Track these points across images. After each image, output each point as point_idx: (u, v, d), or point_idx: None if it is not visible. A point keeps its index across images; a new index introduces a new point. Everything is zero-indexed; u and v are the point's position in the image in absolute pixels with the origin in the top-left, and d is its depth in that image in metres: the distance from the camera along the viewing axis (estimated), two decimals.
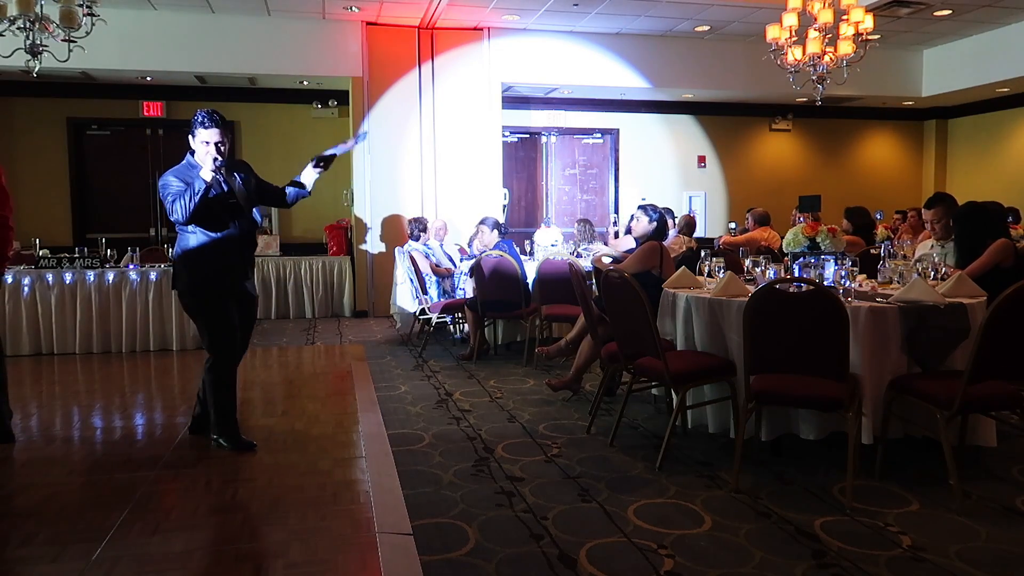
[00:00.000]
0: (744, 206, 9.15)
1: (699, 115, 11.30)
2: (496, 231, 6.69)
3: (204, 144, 3.72)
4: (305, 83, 9.67)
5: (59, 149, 9.57)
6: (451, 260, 7.59)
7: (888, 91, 10.44)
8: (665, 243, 6.78)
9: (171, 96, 9.75)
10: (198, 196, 3.66)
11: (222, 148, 3.74)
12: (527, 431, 4.25)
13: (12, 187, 4.27)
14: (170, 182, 3.72)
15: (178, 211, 3.68)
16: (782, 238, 5.00)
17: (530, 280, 6.28)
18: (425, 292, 6.85)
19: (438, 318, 6.78)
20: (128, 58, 8.26)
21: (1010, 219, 7.23)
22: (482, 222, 6.84)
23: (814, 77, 6.47)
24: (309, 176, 4.14)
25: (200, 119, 3.73)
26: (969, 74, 9.71)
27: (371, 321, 8.76)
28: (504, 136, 10.01)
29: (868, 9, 6.58)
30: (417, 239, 7.36)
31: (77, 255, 7.01)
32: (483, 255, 6.26)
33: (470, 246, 7.58)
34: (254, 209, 4.00)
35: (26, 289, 6.73)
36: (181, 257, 3.87)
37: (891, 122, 12.04)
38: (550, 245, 7.80)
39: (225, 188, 3.79)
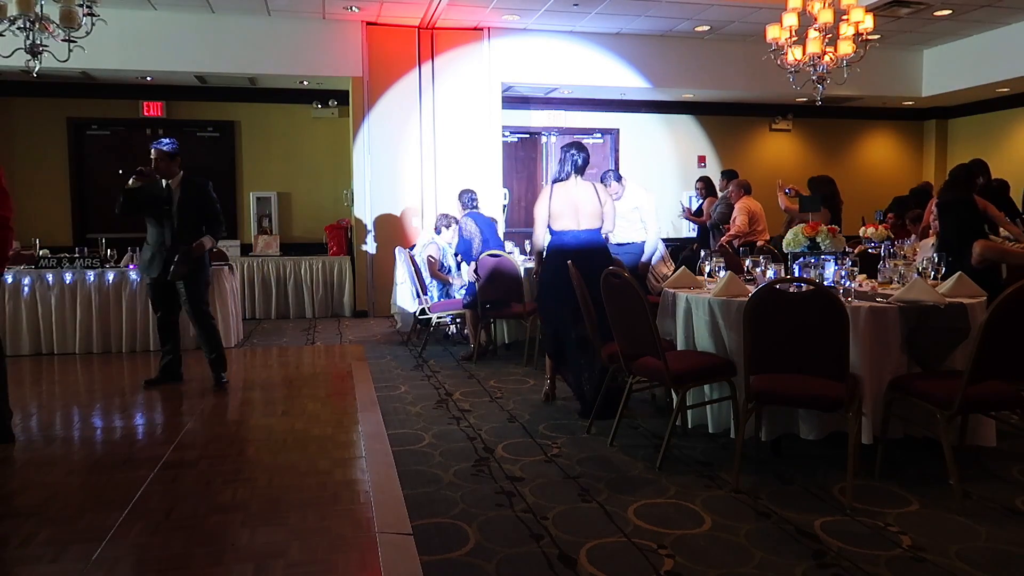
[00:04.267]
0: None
1: (699, 115, 11.29)
2: (469, 204, 6.75)
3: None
4: (305, 83, 9.66)
5: (59, 149, 9.56)
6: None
7: (888, 91, 10.43)
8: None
9: (171, 96, 9.74)
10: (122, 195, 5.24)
11: (153, 160, 5.27)
12: (527, 431, 4.25)
13: (12, 187, 4.28)
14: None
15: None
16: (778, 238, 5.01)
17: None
18: (425, 292, 6.85)
19: (438, 318, 6.78)
20: (128, 58, 8.25)
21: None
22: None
23: (814, 77, 6.46)
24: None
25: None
26: (969, 74, 9.70)
27: (371, 321, 8.76)
28: (504, 136, 10.00)
29: (868, 9, 6.58)
30: (439, 232, 7.26)
31: (77, 255, 7.01)
32: (483, 255, 6.25)
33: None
34: (175, 218, 5.31)
35: (26, 289, 6.74)
36: None
37: (891, 122, 12.03)
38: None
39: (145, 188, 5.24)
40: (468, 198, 6.88)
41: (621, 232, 6.58)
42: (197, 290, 5.37)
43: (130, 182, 5.18)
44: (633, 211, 6.61)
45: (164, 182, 5.31)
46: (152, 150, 5.28)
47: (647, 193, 7.04)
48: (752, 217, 7.93)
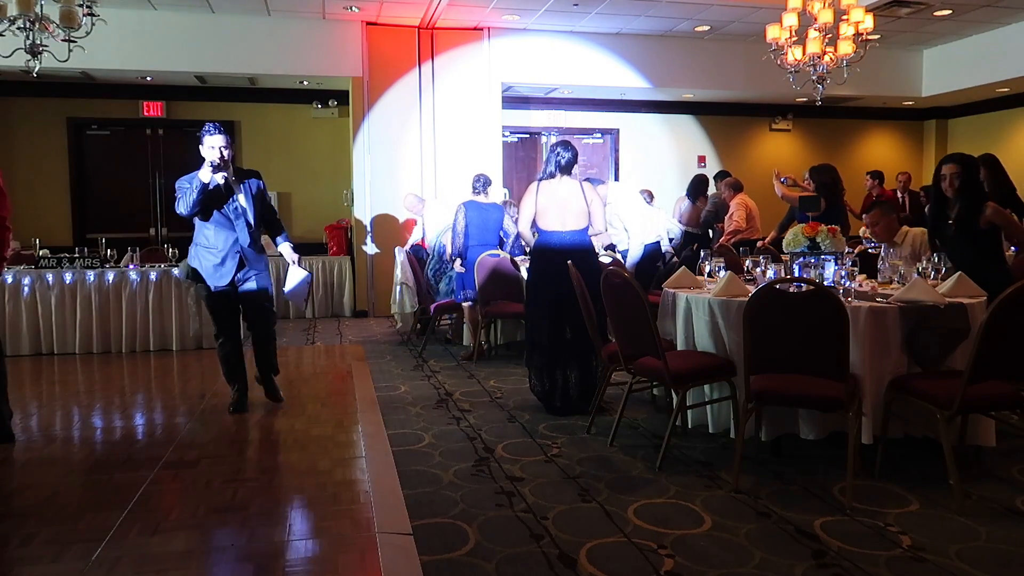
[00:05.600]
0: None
1: (699, 115, 11.30)
2: (475, 190, 6.53)
3: (210, 149, 4.34)
4: (305, 83, 9.67)
5: (59, 149, 9.57)
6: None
7: (888, 91, 10.44)
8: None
9: (171, 96, 9.75)
10: (197, 192, 4.30)
11: (224, 152, 4.36)
12: (527, 431, 4.25)
13: (12, 187, 4.30)
14: (183, 184, 4.40)
15: (181, 206, 4.35)
16: (781, 238, 4.98)
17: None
18: (429, 291, 6.83)
19: (440, 321, 6.75)
20: (128, 58, 8.26)
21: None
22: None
23: (814, 77, 6.47)
24: (287, 253, 4.95)
25: (206, 128, 4.39)
26: (969, 74, 9.71)
27: (371, 321, 8.76)
28: (504, 136, 10.01)
29: (868, 9, 6.58)
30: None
31: (77, 255, 7.01)
32: (483, 255, 6.24)
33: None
34: (249, 213, 4.56)
35: (26, 289, 6.73)
36: (191, 249, 4.62)
37: (891, 122, 12.03)
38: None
39: (222, 188, 4.41)
40: (479, 182, 6.57)
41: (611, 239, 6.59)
42: (273, 304, 4.90)
43: (211, 178, 4.32)
44: (614, 217, 6.53)
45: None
46: (215, 138, 4.34)
47: (631, 196, 6.91)
48: (748, 214, 7.94)
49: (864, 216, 4.97)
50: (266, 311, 4.80)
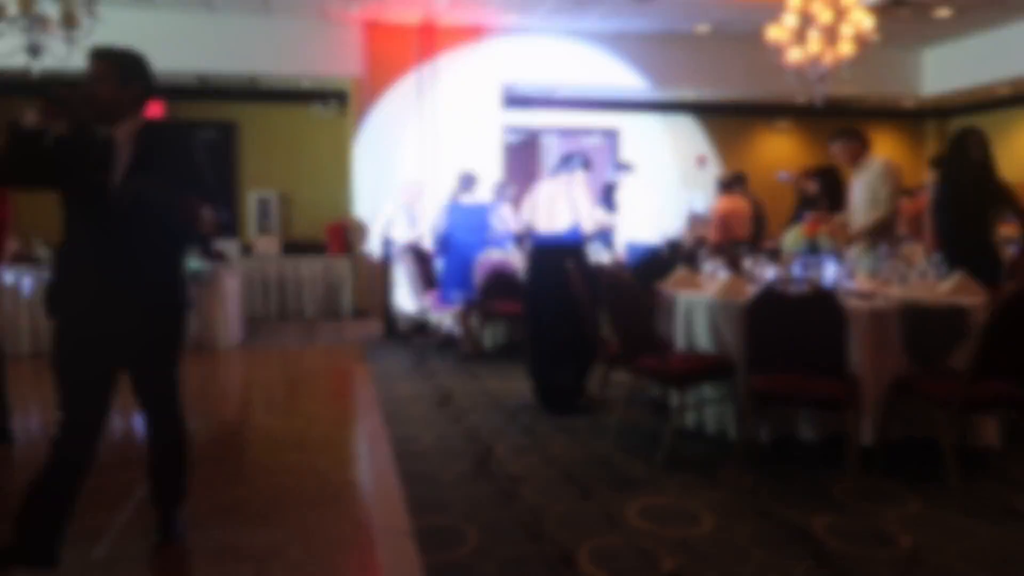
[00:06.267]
0: None
1: (699, 115, 11.30)
2: (458, 190, 6.53)
3: None
4: (305, 83, 9.67)
5: None
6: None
7: (888, 91, 10.43)
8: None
9: (171, 96, 9.73)
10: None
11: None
12: (527, 431, 4.25)
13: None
14: None
15: None
16: (779, 237, 4.98)
17: None
18: (433, 288, 6.82)
19: (439, 320, 6.75)
20: None
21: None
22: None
23: (814, 77, 6.46)
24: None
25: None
26: (969, 74, 9.70)
27: (371, 321, 8.75)
28: (504, 136, 10.00)
29: (868, 9, 6.58)
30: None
31: None
32: (483, 255, 6.24)
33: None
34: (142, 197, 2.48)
35: (26, 289, 6.73)
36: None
37: (891, 122, 12.03)
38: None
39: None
40: (462, 182, 6.61)
41: None
42: (176, 351, 2.90)
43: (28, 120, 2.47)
44: None
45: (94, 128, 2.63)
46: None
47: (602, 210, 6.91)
48: (723, 216, 7.81)
49: (831, 145, 4.90)
50: (169, 384, 3.09)
